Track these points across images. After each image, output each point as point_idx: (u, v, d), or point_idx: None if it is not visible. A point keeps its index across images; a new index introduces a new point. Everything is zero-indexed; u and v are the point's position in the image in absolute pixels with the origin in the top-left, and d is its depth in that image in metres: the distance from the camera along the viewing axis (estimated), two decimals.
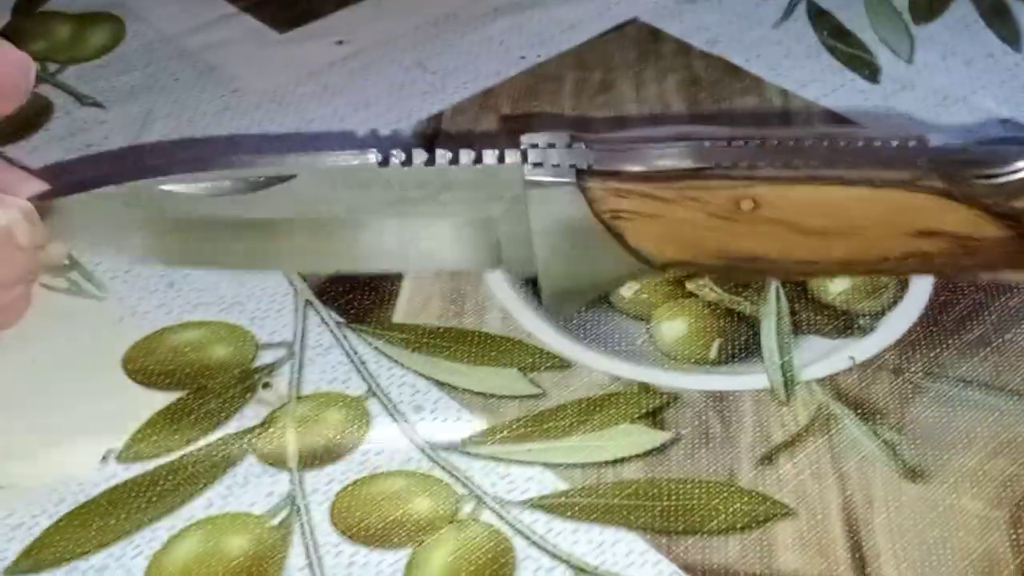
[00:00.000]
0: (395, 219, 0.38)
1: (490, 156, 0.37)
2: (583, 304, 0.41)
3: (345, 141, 0.49)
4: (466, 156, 0.37)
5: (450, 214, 0.38)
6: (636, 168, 0.37)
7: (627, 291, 0.42)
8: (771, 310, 0.41)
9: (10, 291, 0.34)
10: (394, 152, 0.37)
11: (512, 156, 0.37)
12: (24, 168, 0.37)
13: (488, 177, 0.37)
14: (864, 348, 0.40)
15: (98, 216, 0.38)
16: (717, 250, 0.37)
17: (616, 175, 0.36)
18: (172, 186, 0.37)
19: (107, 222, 0.38)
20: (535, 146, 0.37)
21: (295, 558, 0.35)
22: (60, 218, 0.38)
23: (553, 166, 0.37)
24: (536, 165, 0.37)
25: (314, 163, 0.38)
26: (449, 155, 0.37)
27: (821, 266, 0.39)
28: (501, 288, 0.42)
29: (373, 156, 0.38)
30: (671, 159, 0.37)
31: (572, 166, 0.37)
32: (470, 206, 0.37)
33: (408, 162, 0.37)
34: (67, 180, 0.37)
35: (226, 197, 0.37)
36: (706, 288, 0.42)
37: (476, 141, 0.49)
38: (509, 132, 0.49)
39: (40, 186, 0.36)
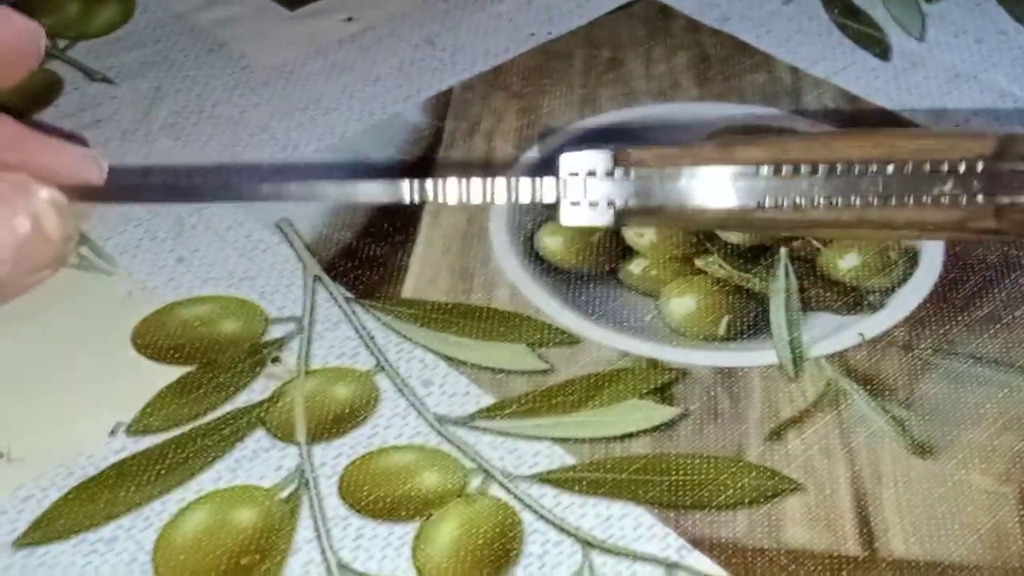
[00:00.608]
0: None
1: (526, 187, 0.35)
2: None
3: (354, 115, 0.49)
4: (501, 186, 0.35)
5: None
6: (675, 205, 0.35)
7: (636, 268, 0.42)
8: (780, 287, 0.41)
9: (35, 275, 0.34)
10: (427, 186, 0.35)
11: (550, 190, 0.34)
12: (80, 140, 0.37)
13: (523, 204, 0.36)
14: (873, 325, 0.40)
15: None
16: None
17: (654, 213, 0.35)
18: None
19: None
20: (575, 174, 0.36)
21: (303, 531, 0.35)
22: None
23: (591, 204, 0.35)
24: (574, 204, 0.34)
25: (342, 194, 0.36)
26: (481, 184, 0.35)
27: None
28: (510, 264, 0.42)
29: (405, 192, 0.35)
30: (714, 191, 0.35)
31: (611, 204, 0.35)
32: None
33: (440, 197, 0.35)
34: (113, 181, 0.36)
35: None
36: (715, 265, 0.42)
37: (487, 119, 0.49)
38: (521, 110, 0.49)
39: (93, 170, 0.35)
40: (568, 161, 0.35)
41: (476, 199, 0.34)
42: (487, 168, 0.37)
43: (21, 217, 0.31)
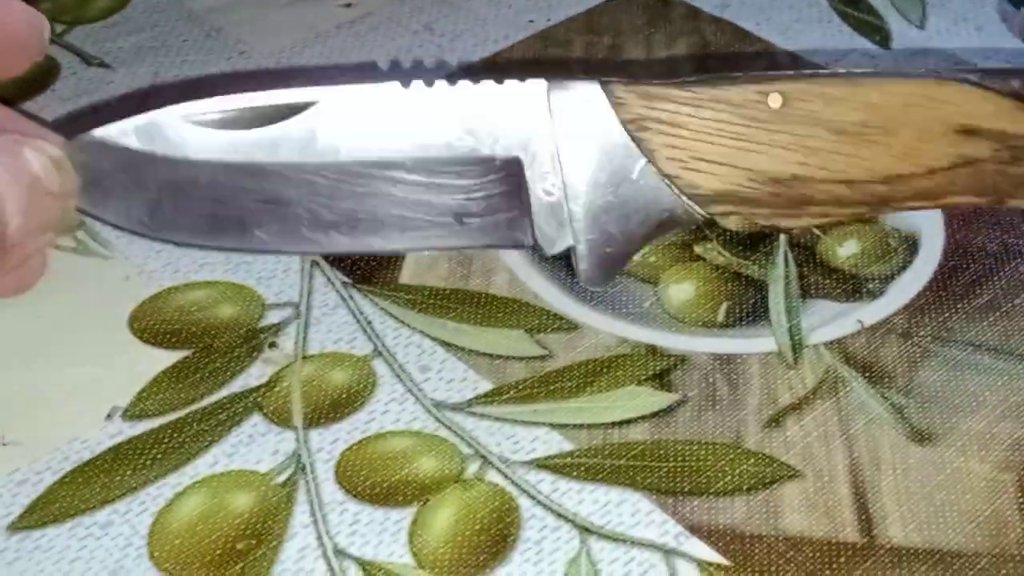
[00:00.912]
0: (419, 175, 0.37)
1: (512, 81, 0.36)
2: (622, 267, 0.38)
3: None
4: (487, 82, 0.37)
5: (473, 153, 0.36)
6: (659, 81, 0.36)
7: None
8: (779, 274, 0.41)
9: (37, 239, 0.34)
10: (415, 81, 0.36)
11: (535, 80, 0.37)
12: (41, 121, 0.37)
13: (511, 99, 0.36)
14: (873, 312, 0.40)
15: (110, 170, 0.37)
16: (751, 170, 0.36)
17: (639, 82, 0.36)
18: (189, 111, 0.36)
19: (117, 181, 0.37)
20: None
21: (300, 516, 0.35)
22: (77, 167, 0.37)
23: (576, 78, 0.36)
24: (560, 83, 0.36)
25: (336, 92, 0.37)
26: (469, 82, 0.37)
27: (868, 188, 0.37)
28: (508, 250, 0.42)
29: (397, 84, 0.37)
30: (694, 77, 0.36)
31: (596, 79, 0.36)
32: (492, 142, 0.36)
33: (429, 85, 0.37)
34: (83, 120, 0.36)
35: (246, 135, 0.36)
36: (714, 251, 0.42)
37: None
38: None
39: (57, 140, 0.36)
40: (557, 96, 0.35)
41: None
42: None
43: (24, 166, 0.31)
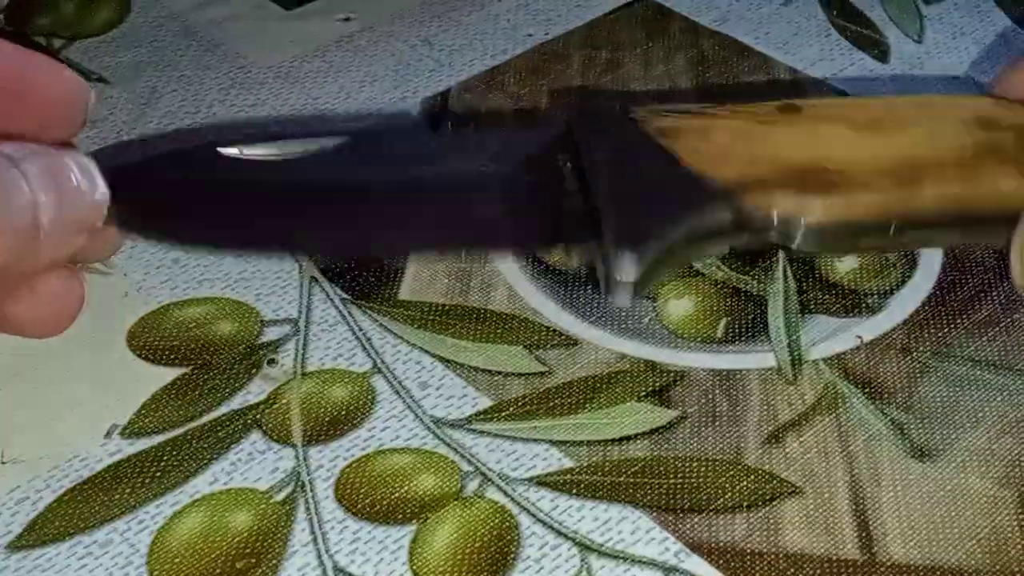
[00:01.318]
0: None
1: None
2: (651, 281, 0.36)
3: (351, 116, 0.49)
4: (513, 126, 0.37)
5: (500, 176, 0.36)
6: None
7: None
8: (778, 289, 0.41)
9: (70, 238, 0.34)
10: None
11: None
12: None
13: (537, 131, 0.36)
14: (872, 327, 0.40)
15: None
16: (775, 162, 0.35)
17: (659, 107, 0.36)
18: (229, 150, 0.36)
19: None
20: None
21: (299, 534, 0.35)
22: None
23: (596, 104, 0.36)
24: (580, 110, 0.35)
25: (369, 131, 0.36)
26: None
27: (894, 171, 0.34)
28: (507, 265, 0.42)
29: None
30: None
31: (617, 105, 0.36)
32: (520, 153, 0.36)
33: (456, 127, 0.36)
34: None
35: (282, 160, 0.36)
36: (713, 267, 0.42)
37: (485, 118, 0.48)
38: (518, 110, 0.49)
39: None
40: (580, 121, 0.35)
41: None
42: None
43: (56, 161, 0.32)
